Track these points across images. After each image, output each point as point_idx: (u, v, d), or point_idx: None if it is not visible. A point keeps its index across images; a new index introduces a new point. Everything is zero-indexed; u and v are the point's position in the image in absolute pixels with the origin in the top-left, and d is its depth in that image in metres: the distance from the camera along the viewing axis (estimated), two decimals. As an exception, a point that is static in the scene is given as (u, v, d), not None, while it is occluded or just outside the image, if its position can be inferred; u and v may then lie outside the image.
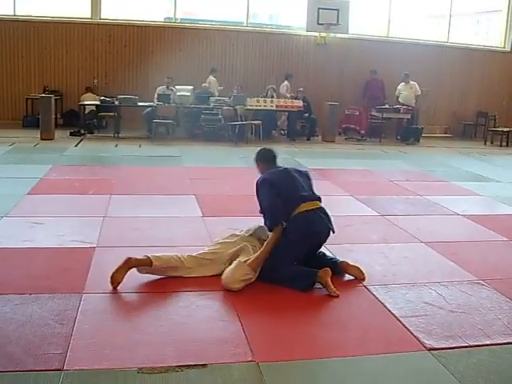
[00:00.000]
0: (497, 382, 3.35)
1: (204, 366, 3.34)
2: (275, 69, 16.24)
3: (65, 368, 3.21)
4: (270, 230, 4.87)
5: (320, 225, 4.91)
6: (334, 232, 4.99)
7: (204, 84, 14.75)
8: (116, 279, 4.40)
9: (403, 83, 15.73)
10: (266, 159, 5.40)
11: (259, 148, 5.56)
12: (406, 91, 15.70)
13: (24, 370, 3.17)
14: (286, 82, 15.52)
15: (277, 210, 4.87)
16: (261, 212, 5.01)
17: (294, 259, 4.81)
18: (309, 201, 4.95)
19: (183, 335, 3.72)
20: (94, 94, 14.64)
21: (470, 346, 3.71)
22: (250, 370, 3.32)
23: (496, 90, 17.64)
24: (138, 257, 4.57)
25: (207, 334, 3.74)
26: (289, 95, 15.12)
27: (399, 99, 15.75)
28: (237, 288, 4.42)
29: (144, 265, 4.54)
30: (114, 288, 4.37)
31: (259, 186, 5.06)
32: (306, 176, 5.26)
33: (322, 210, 5.00)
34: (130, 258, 4.51)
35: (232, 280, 4.44)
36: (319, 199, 5.05)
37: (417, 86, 15.61)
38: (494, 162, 12.33)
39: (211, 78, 15.14)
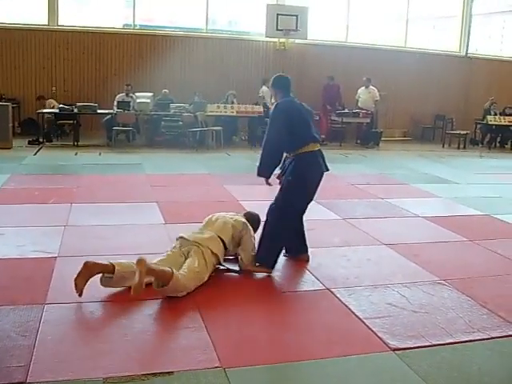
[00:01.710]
0: (459, 378, 3.43)
1: (170, 373, 3.32)
2: (235, 74, 16.25)
3: (28, 380, 3.16)
4: (258, 174, 5.05)
5: (323, 165, 5.15)
6: (328, 170, 5.23)
7: (164, 90, 14.69)
8: (78, 286, 4.31)
9: (363, 88, 15.89)
10: (284, 86, 5.23)
11: (274, 76, 5.36)
12: (365, 96, 15.87)
13: (-15, 384, 3.11)
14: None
15: (277, 150, 5.01)
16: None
17: (301, 204, 5.11)
18: (317, 142, 5.17)
19: (148, 343, 3.70)
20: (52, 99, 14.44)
21: (433, 345, 3.77)
22: (216, 376, 3.32)
23: (453, 94, 17.98)
24: (97, 261, 4.49)
25: (173, 341, 3.73)
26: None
27: (358, 103, 15.93)
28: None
29: (105, 269, 4.46)
30: (79, 295, 4.30)
31: (275, 112, 5.04)
32: (311, 115, 5.43)
33: (321, 151, 5.22)
34: (87, 262, 4.42)
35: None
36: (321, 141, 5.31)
37: (376, 91, 15.79)
38: (452, 164, 12.56)
39: (264, 88, 15.08)
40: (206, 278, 4.62)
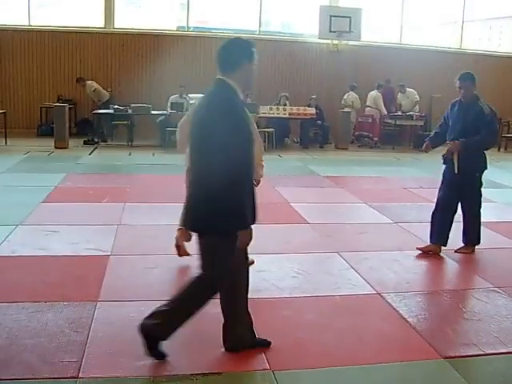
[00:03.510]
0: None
1: (219, 374, 3.34)
2: (288, 77, 16.26)
3: (80, 376, 3.23)
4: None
5: None
6: None
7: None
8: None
9: (400, 94, 15.80)
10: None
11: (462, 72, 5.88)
12: (404, 101, 15.80)
13: (40, 378, 3.19)
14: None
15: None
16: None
17: None
18: None
19: (197, 343, 3.72)
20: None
21: (486, 354, 3.68)
22: (265, 378, 3.32)
23: (510, 97, 17.52)
24: None
25: (221, 341, 3.73)
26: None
27: (402, 109, 15.80)
28: None
29: None
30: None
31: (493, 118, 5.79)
32: None
33: None
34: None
35: None
36: None
37: (414, 92, 15.64)
38: (507, 168, 12.25)
39: (353, 94, 15.36)
40: None
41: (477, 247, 6.03)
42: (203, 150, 3.26)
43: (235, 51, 3.37)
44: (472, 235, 5.94)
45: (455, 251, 5.87)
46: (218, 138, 3.16)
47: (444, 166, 5.95)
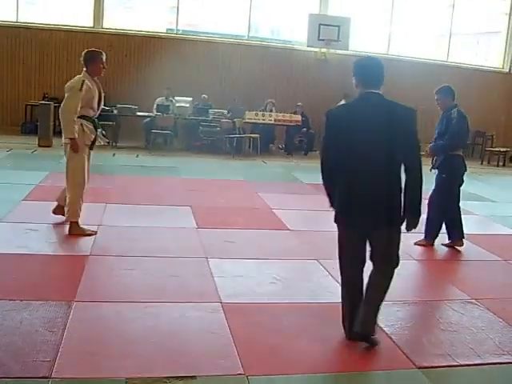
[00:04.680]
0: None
1: (193, 377, 3.32)
2: (275, 83, 16.29)
3: (53, 376, 3.20)
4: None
5: None
6: None
7: (203, 95, 14.78)
8: None
9: None
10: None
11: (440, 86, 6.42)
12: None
13: (11, 377, 3.15)
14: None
15: None
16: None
17: None
18: None
19: (173, 346, 3.70)
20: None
21: (460, 365, 3.70)
22: (239, 382, 3.31)
23: (494, 110, 17.70)
24: None
25: (197, 345, 3.73)
26: None
27: None
28: None
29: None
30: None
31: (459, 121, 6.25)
32: None
33: None
34: None
35: None
36: None
37: None
38: (490, 181, 12.37)
39: (343, 102, 15.33)
40: None
41: (456, 259, 6.10)
42: (391, 153, 3.70)
43: (383, 69, 3.87)
44: (431, 231, 6.56)
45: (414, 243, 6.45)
46: (411, 141, 3.80)
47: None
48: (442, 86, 6.48)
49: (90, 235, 5.99)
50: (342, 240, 3.93)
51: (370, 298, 3.84)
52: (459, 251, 6.53)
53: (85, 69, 6.11)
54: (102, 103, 6.38)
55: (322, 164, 3.90)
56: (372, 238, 3.84)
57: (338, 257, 3.98)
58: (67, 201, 6.08)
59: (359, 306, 3.85)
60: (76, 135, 5.91)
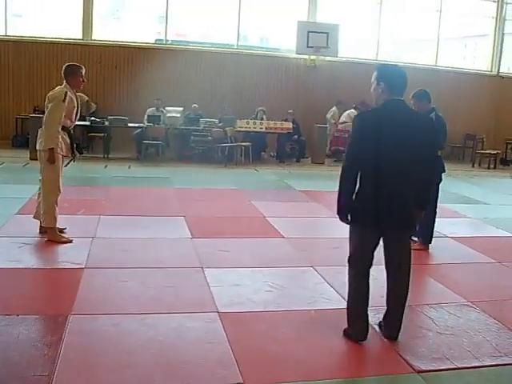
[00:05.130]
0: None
1: (192, 388, 3.32)
2: (265, 91, 16.33)
3: (51, 390, 3.19)
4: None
5: None
6: None
7: (194, 105, 14.80)
8: None
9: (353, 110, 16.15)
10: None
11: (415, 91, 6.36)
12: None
13: (10, 393, 3.14)
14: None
15: None
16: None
17: None
18: None
19: (172, 357, 3.70)
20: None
21: (458, 368, 3.71)
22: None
23: (484, 113, 17.82)
24: None
25: (196, 355, 3.72)
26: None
27: None
28: None
29: None
30: None
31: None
32: None
33: None
34: None
35: None
36: None
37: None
38: (481, 184, 12.41)
39: (334, 109, 15.76)
40: None
41: (451, 262, 6.13)
42: (416, 157, 3.93)
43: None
44: (424, 233, 6.62)
45: None
46: (431, 144, 4.15)
47: None
48: (416, 91, 6.50)
49: (65, 243, 6.13)
50: (357, 239, 4.11)
51: (399, 298, 4.19)
52: (455, 254, 6.57)
53: (65, 81, 6.11)
54: (79, 115, 6.39)
55: (347, 165, 4.08)
56: (390, 239, 4.12)
57: (348, 258, 4.16)
58: (43, 209, 6.23)
59: (368, 305, 4.11)
60: (58, 146, 5.97)
